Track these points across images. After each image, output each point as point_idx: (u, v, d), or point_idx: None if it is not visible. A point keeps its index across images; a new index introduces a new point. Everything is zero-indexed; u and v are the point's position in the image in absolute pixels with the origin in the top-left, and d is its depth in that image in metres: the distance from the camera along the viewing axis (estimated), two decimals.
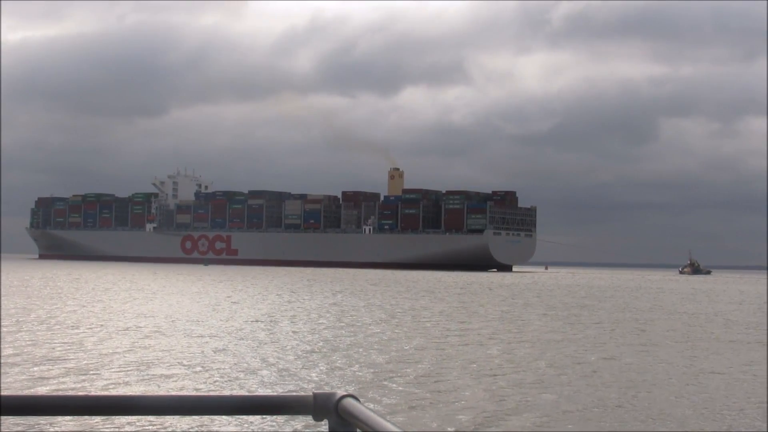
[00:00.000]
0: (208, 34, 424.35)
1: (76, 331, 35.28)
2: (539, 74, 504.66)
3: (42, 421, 16.43)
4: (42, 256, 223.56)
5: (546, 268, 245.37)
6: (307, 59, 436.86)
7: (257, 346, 30.97)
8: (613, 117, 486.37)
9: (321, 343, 32.39)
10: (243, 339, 33.35)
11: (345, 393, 3.11)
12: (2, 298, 53.69)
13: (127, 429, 16.66)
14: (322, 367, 26.21)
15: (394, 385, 22.95)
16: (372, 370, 25.59)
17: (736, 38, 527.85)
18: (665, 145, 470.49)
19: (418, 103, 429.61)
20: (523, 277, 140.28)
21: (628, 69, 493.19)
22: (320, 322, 42.00)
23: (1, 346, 28.59)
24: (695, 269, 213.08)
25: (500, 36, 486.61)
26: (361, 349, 30.79)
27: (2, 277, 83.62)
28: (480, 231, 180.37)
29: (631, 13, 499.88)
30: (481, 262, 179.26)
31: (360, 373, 24.98)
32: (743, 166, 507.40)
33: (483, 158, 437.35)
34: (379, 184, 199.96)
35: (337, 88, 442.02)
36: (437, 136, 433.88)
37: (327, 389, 3.07)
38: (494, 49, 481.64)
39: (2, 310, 43.17)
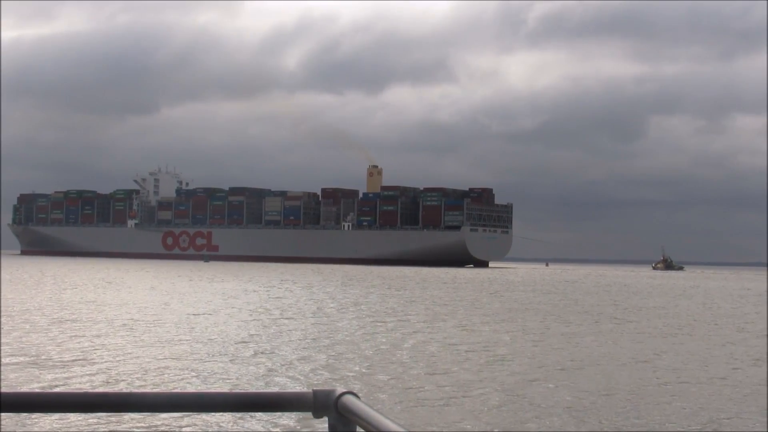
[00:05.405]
0: (197, 33, 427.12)
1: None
2: (523, 73, 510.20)
3: (42, 419, 16.83)
4: (24, 252, 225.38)
5: (547, 265, 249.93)
6: (296, 57, 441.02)
7: (254, 343, 32.21)
8: (599, 114, 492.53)
9: (317, 340, 33.70)
10: (239, 336, 34.63)
11: (345, 390, 3.10)
12: None
13: (127, 426, 17.00)
14: (319, 364, 27.00)
15: (391, 381, 24.02)
16: (367, 366, 26.89)
17: (712, 37, 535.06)
18: (654, 142, 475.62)
19: (404, 101, 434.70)
20: (498, 272, 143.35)
21: (611, 68, 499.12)
22: (309, 318, 44.12)
23: (1, 343, 29.72)
24: (668, 265, 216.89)
25: (482, 35, 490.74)
26: (356, 346, 32.13)
27: None
28: (457, 227, 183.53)
29: (608, 13, 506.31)
30: (458, 257, 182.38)
31: (357, 370, 26.14)
32: (734, 162, 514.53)
33: (471, 156, 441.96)
34: (363, 182, 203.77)
35: (324, 86, 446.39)
36: (424, 134, 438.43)
37: (327, 386, 3.16)
38: (477, 48, 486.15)
39: None
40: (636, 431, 18.95)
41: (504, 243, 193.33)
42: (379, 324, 41.87)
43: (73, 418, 16.74)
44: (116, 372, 24.68)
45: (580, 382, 25.08)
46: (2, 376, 22.96)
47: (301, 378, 24.54)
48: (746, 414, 21.14)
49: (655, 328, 44.42)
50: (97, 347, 30.13)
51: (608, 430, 18.90)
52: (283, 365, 26.89)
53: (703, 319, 52.31)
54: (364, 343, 33.69)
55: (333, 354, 29.87)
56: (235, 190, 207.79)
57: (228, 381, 23.77)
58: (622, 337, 38.90)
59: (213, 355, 28.78)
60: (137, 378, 23.80)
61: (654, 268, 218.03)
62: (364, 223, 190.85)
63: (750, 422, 20.17)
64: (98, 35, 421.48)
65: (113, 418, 16.87)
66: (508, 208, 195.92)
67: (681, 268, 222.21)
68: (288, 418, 17.47)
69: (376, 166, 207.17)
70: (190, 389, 19.91)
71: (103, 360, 27.07)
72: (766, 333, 42.48)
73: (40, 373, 24.04)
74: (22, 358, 26.65)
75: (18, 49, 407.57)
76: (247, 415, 17.31)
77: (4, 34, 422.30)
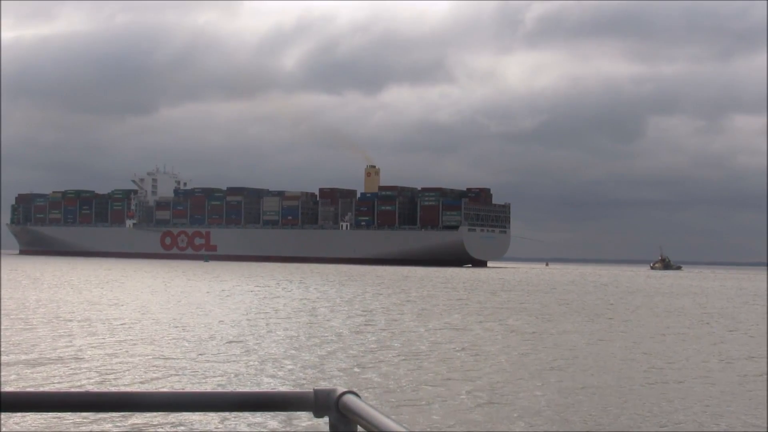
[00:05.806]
0: (196, 33, 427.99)
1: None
2: (521, 73, 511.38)
3: (41, 418, 16.88)
4: (22, 252, 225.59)
5: (546, 265, 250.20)
6: (295, 57, 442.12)
7: (249, 342, 32.49)
8: (598, 115, 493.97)
9: (311, 339, 33.98)
10: (237, 336, 34.86)
11: (346, 389, 3.10)
12: None
13: (127, 426, 16.99)
14: (312, 363, 27.34)
15: (382, 380, 24.20)
16: (359, 365, 27.20)
17: (710, 38, 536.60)
18: (653, 142, 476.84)
19: (402, 101, 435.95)
20: (495, 272, 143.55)
21: (609, 68, 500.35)
22: (304, 317, 44.44)
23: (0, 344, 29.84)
24: (666, 265, 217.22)
25: (481, 35, 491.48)
26: (349, 345, 32.40)
27: None
28: (455, 227, 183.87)
29: (606, 13, 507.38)
30: (456, 257, 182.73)
31: (348, 369, 26.39)
32: (733, 162, 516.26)
33: (470, 156, 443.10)
34: (361, 182, 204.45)
35: (323, 86, 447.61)
36: (422, 134, 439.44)
37: (327, 386, 3.15)
38: (476, 48, 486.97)
39: None
40: (625, 431, 19.16)
41: (502, 243, 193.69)
42: (372, 323, 42.13)
43: (73, 417, 16.73)
44: (113, 371, 24.82)
45: (571, 381, 25.30)
46: (0, 376, 23.13)
47: (296, 377, 24.69)
48: (736, 413, 21.37)
49: (648, 327, 44.66)
50: (92, 346, 30.29)
51: (598, 429, 19.07)
52: (279, 364, 27.05)
53: (696, 317, 52.56)
54: (356, 342, 33.90)
55: (323, 353, 30.00)
56: (233, 190, 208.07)
57: (224, 380, 23.88)
58: (616, 336, 39.15)
59: (208, 355, 28.95)
60: (133, 377, 23.94)
61: (652, 268, 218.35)
62: (362, 223, 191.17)
63: (739, 421, 20.40)
64: (98, 35, 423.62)
65: (113, 418, 16.89)
66: (505, 208, 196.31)
67: (679, 268, 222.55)
68: (288, 418, 17.46)
69: (374, 166, 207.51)
70: (190, 389, 20.12)
71: (99, 359, 27.22)
72: (758, 332, 42.73)
73: (36, 372, 24.19)
74: (18, 357, 26.81)
75: (18, 49, 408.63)
76: (247, 414, 17.16)
77: (4, 34, 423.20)
